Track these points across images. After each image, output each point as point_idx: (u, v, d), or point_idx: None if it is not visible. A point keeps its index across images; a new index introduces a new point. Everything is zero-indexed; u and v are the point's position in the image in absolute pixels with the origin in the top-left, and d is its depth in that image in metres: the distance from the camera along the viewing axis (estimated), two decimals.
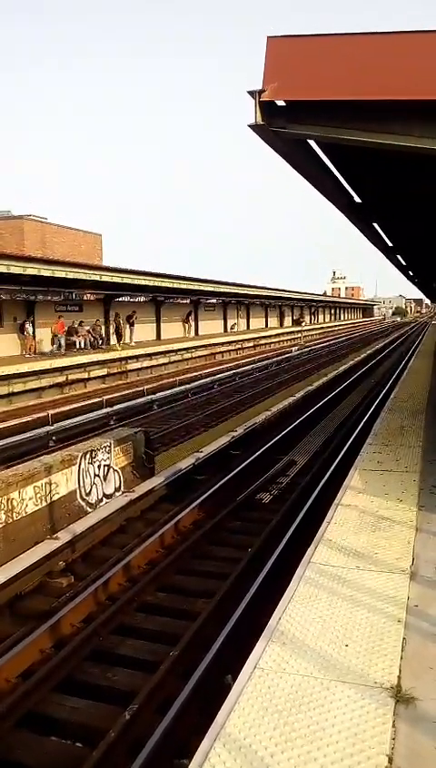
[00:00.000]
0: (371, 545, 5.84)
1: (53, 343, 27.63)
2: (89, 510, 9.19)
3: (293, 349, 43.86)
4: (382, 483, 7.82)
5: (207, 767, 3.09)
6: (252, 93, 5.36)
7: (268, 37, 5.31)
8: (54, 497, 8.67)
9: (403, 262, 23.65)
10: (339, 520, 6.51)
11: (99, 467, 9.80)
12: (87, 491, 9.39)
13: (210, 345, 38.96)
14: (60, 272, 24.42)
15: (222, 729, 3.36)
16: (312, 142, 6.85)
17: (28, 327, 26.22)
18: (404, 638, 4.25)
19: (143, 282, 31.12)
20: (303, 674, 3.85)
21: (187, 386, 23.91)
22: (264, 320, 59.21)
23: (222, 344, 41.21)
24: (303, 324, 64.80)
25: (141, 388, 22.70)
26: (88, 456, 9.54)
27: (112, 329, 31.49)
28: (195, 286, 37.31)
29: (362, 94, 5.31)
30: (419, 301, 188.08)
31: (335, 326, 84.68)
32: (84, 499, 9.30)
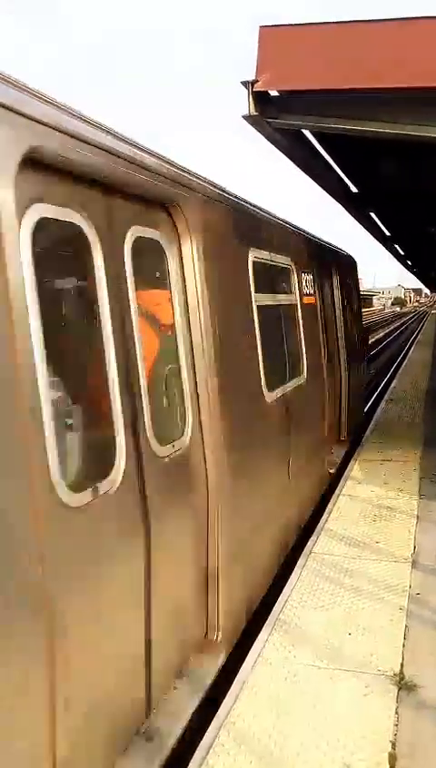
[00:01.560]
0: (372, 534, 5.86)
1: None
2: None
3: None
4: (383, 472, 7.83)
5: (212, 756, 3.11)
6: (245, 84, 5.34)
7: (261, 27, 5.28)
8: None
9: (401, 252, 23.63)
10: (340, 510, 6.53)
11: None
12: None
13: None
14: None
15: (227, 718, 3.38)
16: (306, 132, 6.84)
17: None
18: (406, 626, 4.27)
19: None
20: (306, 663, 3.87)
21: None
22: None
23: None
24: None
25: None
26: None
27: None
28: None
29: (357, 83, 5.29)
30: (418, 291, 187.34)
31: None
32: None
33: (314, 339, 7.32)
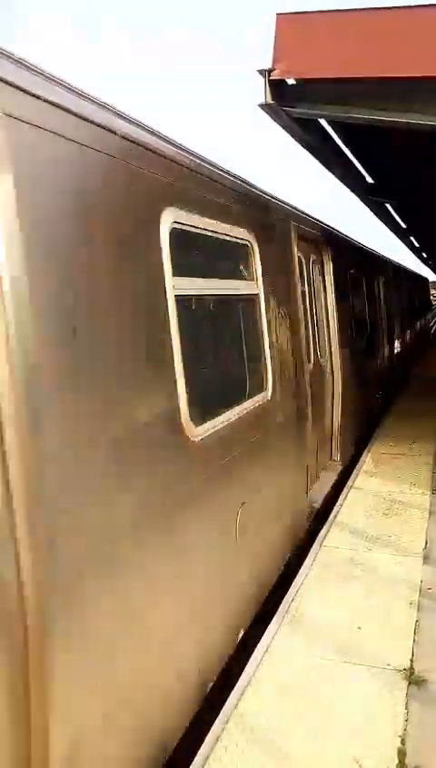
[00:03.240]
0: (383, 528, 5.83)
1: None
2: None
3: None
4: (395, 466, 7.79)
5: (220, 748, 3.11)
6: (262, 72, 5.27)
7: (278, 14, 5.20)
8: None
9: (417, 244, 23.41)
10: (351, 503, 6.50)
11: None
12: None
13: None
14: None
15: (235, 710, 3.38)
16: (323, 121, 6.77)
17: None
18: (417, 621, 4.24)
19: None
20: (315, 657, 3.86)
21: None
22: None
23: None
24: None
25: None
26: None
27: None
28: None
29: (375, 72, 5.21)
30: (433, 284, 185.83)
31: None
32: None
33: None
